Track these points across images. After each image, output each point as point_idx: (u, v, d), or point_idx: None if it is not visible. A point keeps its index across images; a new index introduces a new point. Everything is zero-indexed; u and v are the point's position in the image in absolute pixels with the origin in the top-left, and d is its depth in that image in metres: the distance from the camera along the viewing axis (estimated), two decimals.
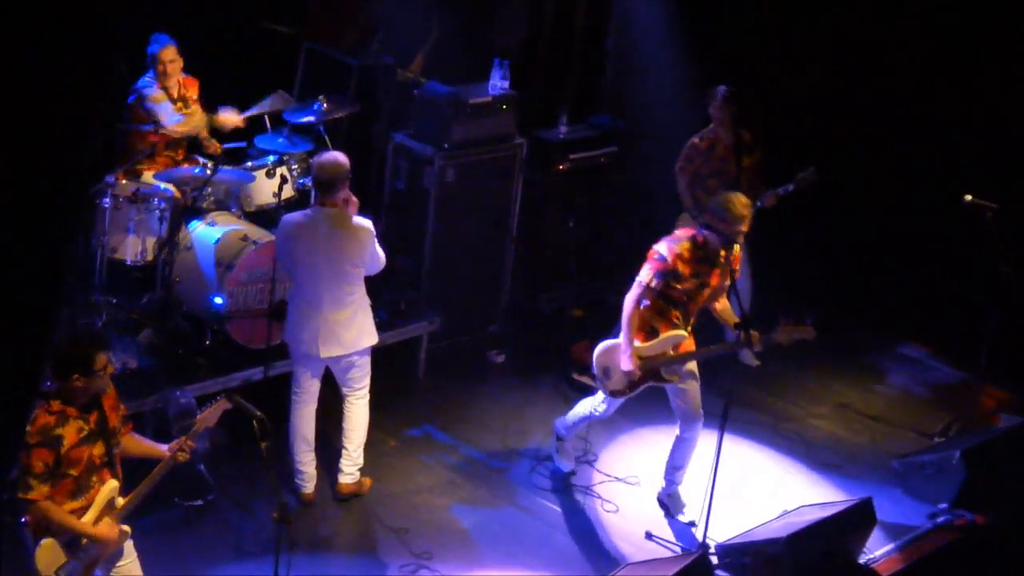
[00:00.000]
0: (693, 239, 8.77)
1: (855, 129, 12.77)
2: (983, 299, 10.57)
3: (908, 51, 12.62)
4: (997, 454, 10.03)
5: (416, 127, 11.02)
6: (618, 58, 13.36)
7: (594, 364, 9.08)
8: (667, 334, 8.85)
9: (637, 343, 8.82)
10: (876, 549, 9.18)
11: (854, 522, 8.94)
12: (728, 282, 8.90)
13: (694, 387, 9.06)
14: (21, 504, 6.80)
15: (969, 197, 10.41)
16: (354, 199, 8.76)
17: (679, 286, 8.77)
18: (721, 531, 8.95)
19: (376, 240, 8.72)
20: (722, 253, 8.78)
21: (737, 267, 8.97)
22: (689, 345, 8.96)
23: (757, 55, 12.95)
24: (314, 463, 9.12)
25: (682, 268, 8.71)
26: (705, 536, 8.82)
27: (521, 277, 11.80)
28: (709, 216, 8.80)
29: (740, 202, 8.67)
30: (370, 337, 8.92)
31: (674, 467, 9.37)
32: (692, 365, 9.03)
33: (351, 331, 8.77)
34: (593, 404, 9.30)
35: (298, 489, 9.04)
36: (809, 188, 10.84)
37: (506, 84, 11.09)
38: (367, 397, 9.11)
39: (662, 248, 8.76)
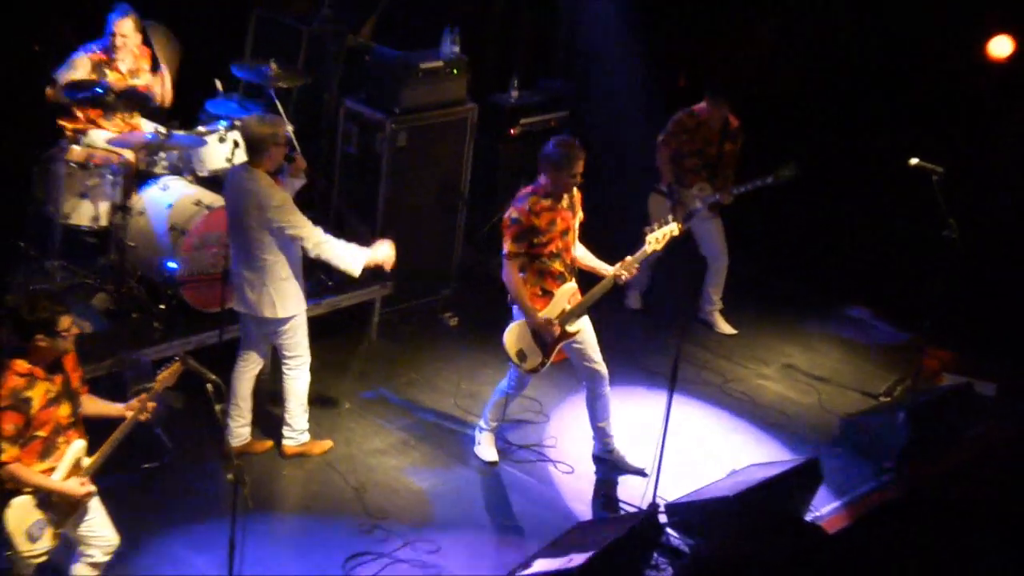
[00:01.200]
0: (535, 192, 8.87)
1: (801, 95, 12.88)
2: (928, 262, 10.70)
3: (855, 19, 12.73)
4: (940, 414, 10.19)
5: (367, 92, 11.03)
6: (569, 24, 13.41)
7: (507, 351, 9.12)
8: (559, 291, 9.00)
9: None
10: (822, 507, 9.33)
11: (801, 481, 9.08)
12: (578, 221, 9.07)
13: (588, 338, 9.19)
14: None
15: (915, 160, 10.51)
16: (300, 164, 8.84)
17: (544, 239, 8.86)
18: (670, 490, 9.07)
19: (293, 217, 8.54)
20: (565, 196, 8.93)
21: (580, 208, 9.10)
22: (577, 292, 9.08)
23: (707, 23, 13.06)
24: (243, 420, 9.15)
25: (537, 222, 8.82)
26: (655, 495, 8.94)
27: (473, 241, 11.85)
28: (544, 163, 8.85)
29: (572, 145, 8.83)
30: (273, 308, 8.76)
31: (598, 422, 9.51)
32: (584, 317, 9.16)
33: (255, 294, 8.76)
34: (504, 385, 9.39)
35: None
36: (788, 182, 10.92)
37: (457, 49, 11.11)
38: (298, 368, 9.06)
39: (511, 214, 8.86)
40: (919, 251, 11.16)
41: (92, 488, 7.20)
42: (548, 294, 8.97)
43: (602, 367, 9.27)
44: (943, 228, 10.43)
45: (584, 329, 9.15)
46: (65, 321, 6.97)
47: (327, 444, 9.40)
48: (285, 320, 8.86)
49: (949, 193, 10.44)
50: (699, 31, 13.18)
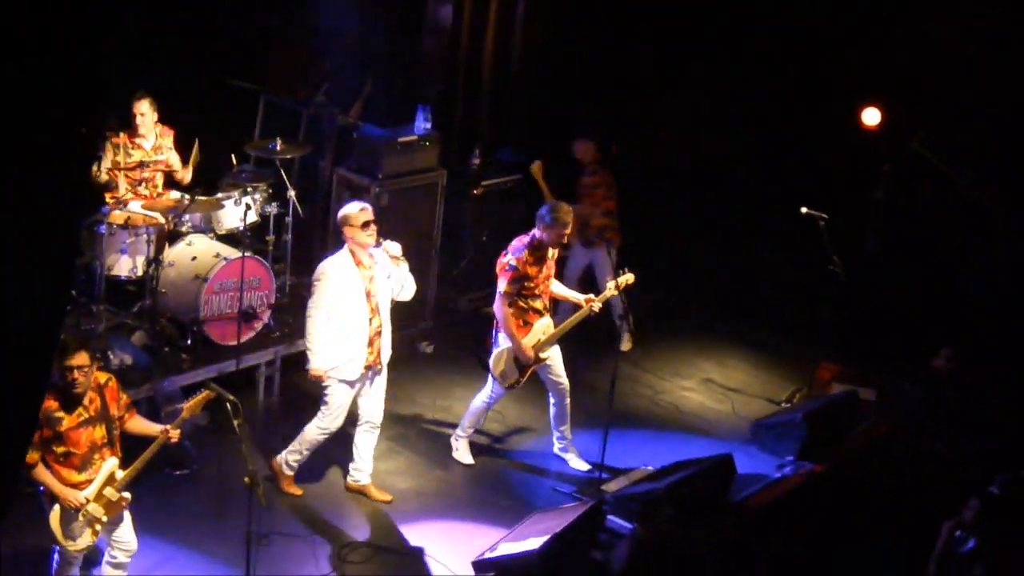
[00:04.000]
0: (531, 245, 8.96)
1: (718, 156, 12.99)
2: (818, 291, 10.78)
3: (761, 93, 12.84)
4: (831, 416, 10.23)
5: (356, 162, 11.04)
6: (520, 103, 13.49)
7: (491, 371, 9.20)
8: (537, 323, 9.08)
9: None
10: (736, 494, 9.31)
11: (718, 473, 9.12)
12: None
13: (557, 361, 9.28)
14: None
15: (805, 209, 10.59)
16: (388, 251, 8.66)
17: (531, 284, 8.98)
18: (612, 483, 9.11)
19: (315, 287, 8.48)
20: (550, 251, 9.04)
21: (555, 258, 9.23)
22: (550, 325, 9.15)
23: (626, 102, 13.22)
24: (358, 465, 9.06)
25: (529, 270, 8.94)
26: (599, 487, 8.94)
27: (445, 282, 11.86)
28: (540, 222, 8.95)
29: (564, 211, 8.94)
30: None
31: (559, 427, 9.56)
32: (555, 345, 9.25)
33: None
34: (483, 398, 9.43)
35: None
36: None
37: (429, 125, 11.15)
38: (316, 419, 8.72)
39: (510, 260, 8.94)
40: (811, 282, 11.22)
41: (126, 496, 7.13)
42: (528, 325, 9.05)
43: (566, 384, 9.35)
44: (829, 264, 10.52)
45: (553, 354, 9.23)
46: (69, 359, 6.80)
47: (298, 491, 8.94)
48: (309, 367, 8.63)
49: (833, 235, 10.53)
50: (630, 107, 13.27)
